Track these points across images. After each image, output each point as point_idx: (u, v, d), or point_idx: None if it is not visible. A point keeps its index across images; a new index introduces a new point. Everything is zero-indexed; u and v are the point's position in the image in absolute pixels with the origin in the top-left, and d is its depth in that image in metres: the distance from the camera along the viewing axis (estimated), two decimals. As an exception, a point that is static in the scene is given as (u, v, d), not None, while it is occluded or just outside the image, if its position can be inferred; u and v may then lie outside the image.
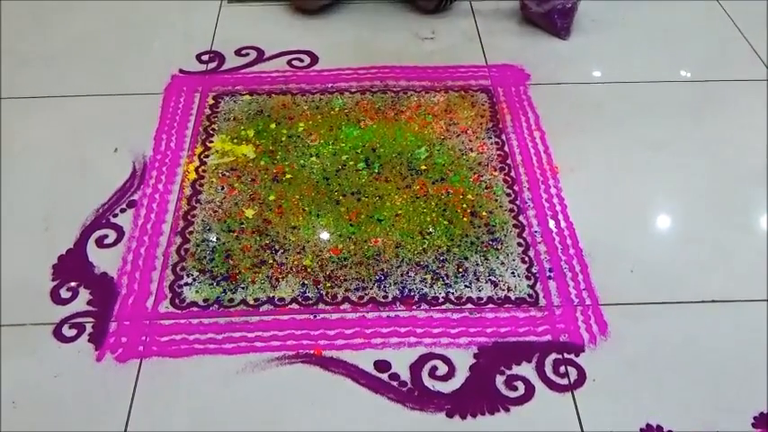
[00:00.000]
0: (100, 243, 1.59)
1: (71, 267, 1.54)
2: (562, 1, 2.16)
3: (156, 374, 1.37)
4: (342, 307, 1.49)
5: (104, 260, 1.56)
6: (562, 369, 1.39)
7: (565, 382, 1.37)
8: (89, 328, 1.44)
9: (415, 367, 1.39)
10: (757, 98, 1.98)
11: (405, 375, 1.38)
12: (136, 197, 1.69)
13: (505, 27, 2.24)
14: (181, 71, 2.05)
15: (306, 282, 1.53)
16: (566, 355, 1.41)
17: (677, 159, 1.81)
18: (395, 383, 1.36)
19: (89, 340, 1.42)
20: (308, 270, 1.55)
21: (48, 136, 1.84)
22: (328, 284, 1.53)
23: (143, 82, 2.00)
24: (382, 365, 1.39)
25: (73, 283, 1.51)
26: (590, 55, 2.15)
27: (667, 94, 2.00)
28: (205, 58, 2.10)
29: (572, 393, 1.36)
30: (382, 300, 1.50)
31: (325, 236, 1.61)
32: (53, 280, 1.52)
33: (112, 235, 1.61)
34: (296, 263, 1.56)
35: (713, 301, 1.51)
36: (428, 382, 1.37)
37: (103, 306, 1.48)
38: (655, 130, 1.89)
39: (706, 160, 1.81)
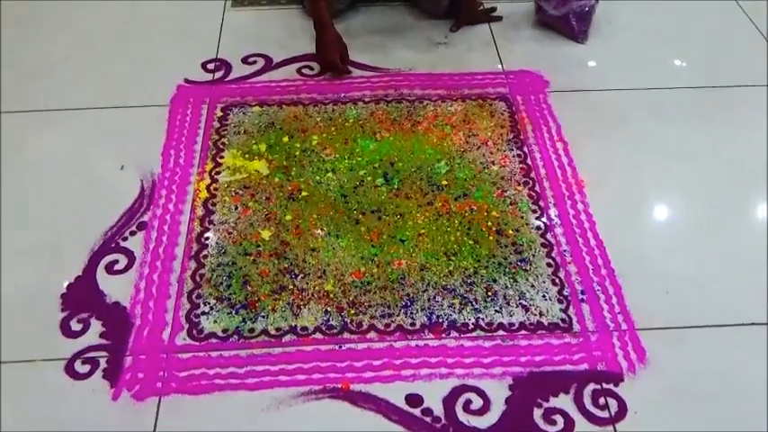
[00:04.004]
0: (110, 269, 1.52)
1: (81, 297, 1.47)
2: (580, 3, 2.09)
3: (176, 413, 1.30)
4: (368, 336, 1.42)
5: (116, 288, 1.48)
6: (602, 400, 1.33)
7: (605, 414, 1.31)
8: (103, 364, 1.36)
9: (449, 401, 1.32)
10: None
11: (438, 410, 1.31)
12: (146, 218, 1.61)
13: (520, 31, 2.17)
14: (186, 81, 1.96)
15: (329, 309, 1.46)
16: (604, 386, 1.35)
17: (707, 171, 1.75)
18: (428, 419, 1.30)
19: (104, 377, 1.35)
20: (331, 296, 1.48)
21: (49, 153, 1.76)
22: (352, 311, 1.46)
23: (147, 93, 1.92)
24: (414, 399, 1.32)
25: (84, 314, 1.44)
26: (609, 60, 2.08)
27: (691, 100, 1.94)
28: (211, 66, 2.01)
29: (613, 427, 1.30)
30: (410, 327, 1.43)
31: (346, 259, 1.54)
32: (63, 311, 1.45)
33: (123, 260, 1.53)
34: (317, 288, 1.49)
35: (752, 324, 1.45)
36: (463, 417, 1.30)
37: (117, 339, 1.40)
38: (682, 140, 1.82)
39: (738, 172, 1.75)
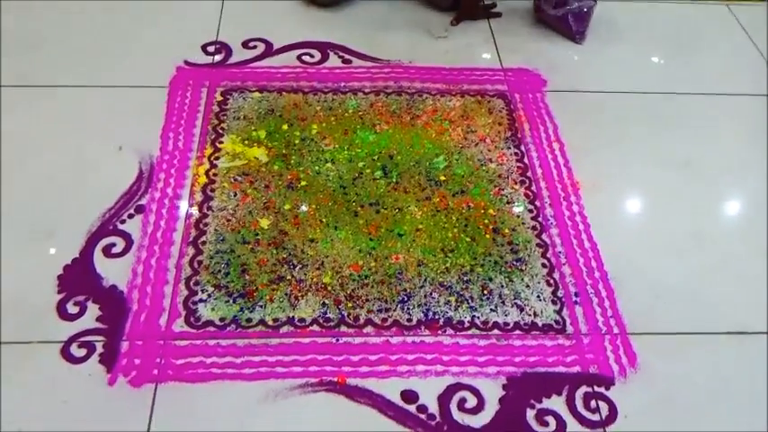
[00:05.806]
0: (107, 252, 1.51)
1: (78, 279, 1.46)
2: (579, 4, 2.10)
3: (172, 401, 1.30)
4: (365, 330, 1.43)
5: (113, 271, 1.48)
6: (593, 403, 1.36)
7: (596, 417, 1.34)
8: (99, 348, 1.36)
9: (444, 399, 1.34)
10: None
11: (433, 407, 1.33)
12: (144, 202, 1.60)
13: (519, 28, 2.18)
14: (186, 63, 1.94)
15: (326, 301, 1.47)
16: (596, 389, 1.38)
17: (702, 177, 1.78)
18: (423, 416, 1.32)
19: (100, 361, 1.34)
20: (329, 288, 1.49)
21: (44, 130, 1.74)
22: (350, 305, 1.46)
23: (145, 73, 1.90)
24: (409, 396, 1.34)
25: (80, 297, 1.43)
26: (606, 62, 2.09)
27: (687, 106, 1.97)
28: (211, 49, 2.00)
29: (604, 430, 1.32)
30: (406, 323, 1.45)
31: (344, 251, 1.55)
32: (59, 293, 1.43)
33: (120, 243, 1.52)
34: (315, 280, 1.50)
35: (741, 333, 1.49)
36: (457, 416, 1.32)
37: (114, 323, 1.40)
38: (677, 145, 1.85)
39: (733, 179, 1.79)
